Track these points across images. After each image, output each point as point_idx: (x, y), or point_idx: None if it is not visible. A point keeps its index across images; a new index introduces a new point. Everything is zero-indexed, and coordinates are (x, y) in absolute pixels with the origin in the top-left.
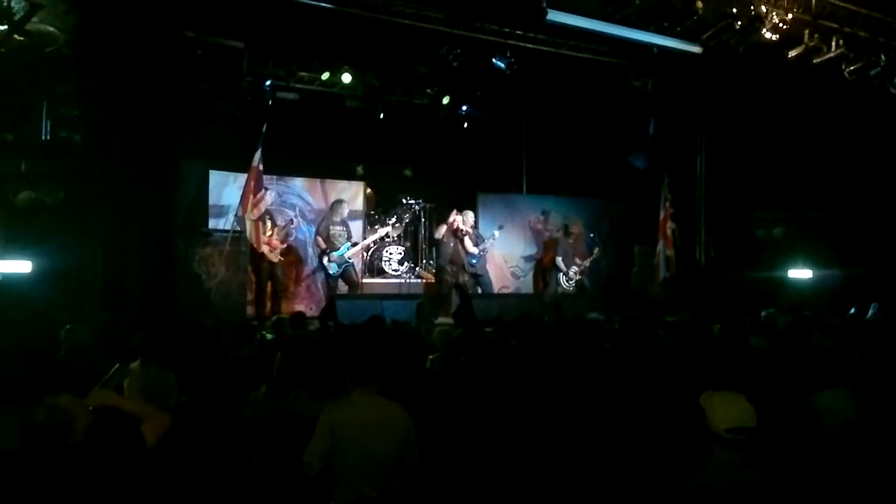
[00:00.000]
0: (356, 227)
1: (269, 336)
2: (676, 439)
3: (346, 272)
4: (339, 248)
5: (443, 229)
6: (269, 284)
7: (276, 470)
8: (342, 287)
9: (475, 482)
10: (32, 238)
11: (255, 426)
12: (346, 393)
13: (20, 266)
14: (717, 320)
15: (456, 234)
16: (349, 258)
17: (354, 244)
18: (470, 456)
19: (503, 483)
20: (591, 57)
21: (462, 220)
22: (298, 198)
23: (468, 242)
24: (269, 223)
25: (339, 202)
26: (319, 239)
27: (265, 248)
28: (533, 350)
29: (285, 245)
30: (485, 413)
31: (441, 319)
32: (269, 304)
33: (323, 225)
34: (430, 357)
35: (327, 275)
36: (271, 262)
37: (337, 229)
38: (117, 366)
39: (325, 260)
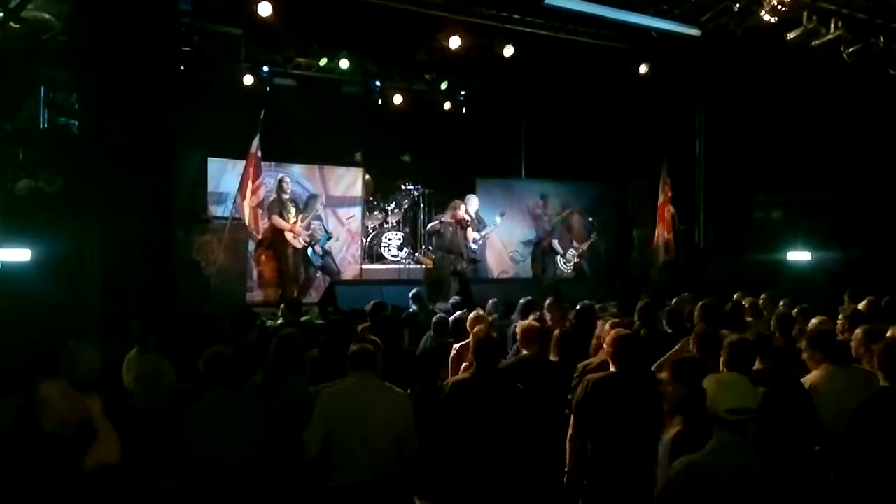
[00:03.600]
0: (355, 213)
1: (268, 323)
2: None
3: (326, 263)
4: (320, 240)
5: (438, 222)
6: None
7: (277, 453)
8: (323, 277)
9: (475, 464)
10: (31, 226)
11: None
12: (344, 377)
13: (19, 254)
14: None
15: (459, 223)
16: (328, 249)
17: (329, 237)
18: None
19: (502, 463)
20: (590, 41)
21: (465, 208)
22: (297, 184)
23: (471, 232)
24: (293, 210)
25: (314, 197)
26: (304, 232)
27: (289, 236)
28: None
29: (310, 231)
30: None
31: (440, 305)
32: (294, 290)
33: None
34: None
35: (310, 264)
36: (295, 249)
37: (315, 223)
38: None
39: (310, 251)
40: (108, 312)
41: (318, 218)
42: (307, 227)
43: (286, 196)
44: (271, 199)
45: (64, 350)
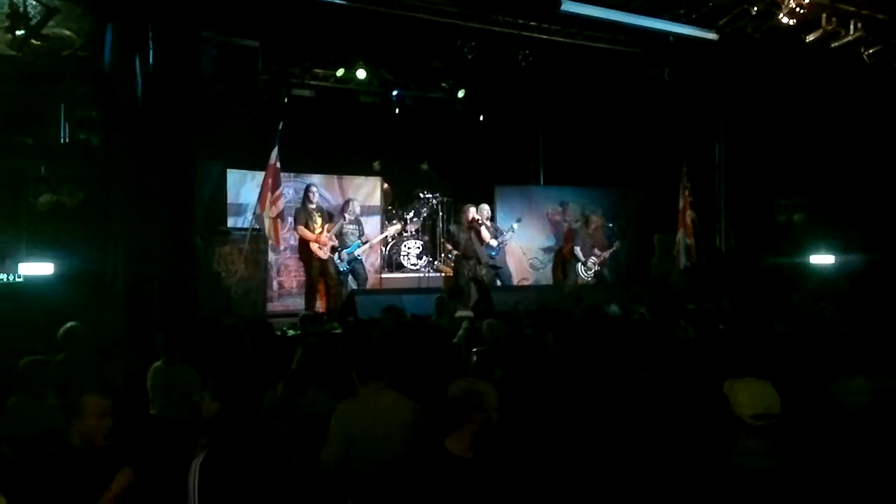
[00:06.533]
0: (374, 222)
1: (290, 333)
2: (700, 428)
3: (354, 269)
4: (349, 246)
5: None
6: (321, 282)
7: (296, 467)
8: (351, 284)
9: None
10: (54, 240)
11: (273, 423)
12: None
13: (42, 268)
14: (739, 308)
15: (471, 225)
16: (359, 255)
17: (365, 242)
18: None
19: (529, 475)
20: (607, 46)
21: (476, 210)
22: (316, 195)
23: (485, 233)
24: (318, 220)
25: (349, 201)
26: (330, 242)
27: (314, 246)
28: (558, 342)
29: (338, 243)
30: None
31: (460, 313)
32: (321, 302)
33: (336, 223)
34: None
35: (337, 271)
36: (321, 260)
37: (349, 227)
38: None
39: (336, 257)
40: (130, 324)
41: (357, 223)
42: (339, 233)
43: (312, 206)
44: (297, 208)
45: None
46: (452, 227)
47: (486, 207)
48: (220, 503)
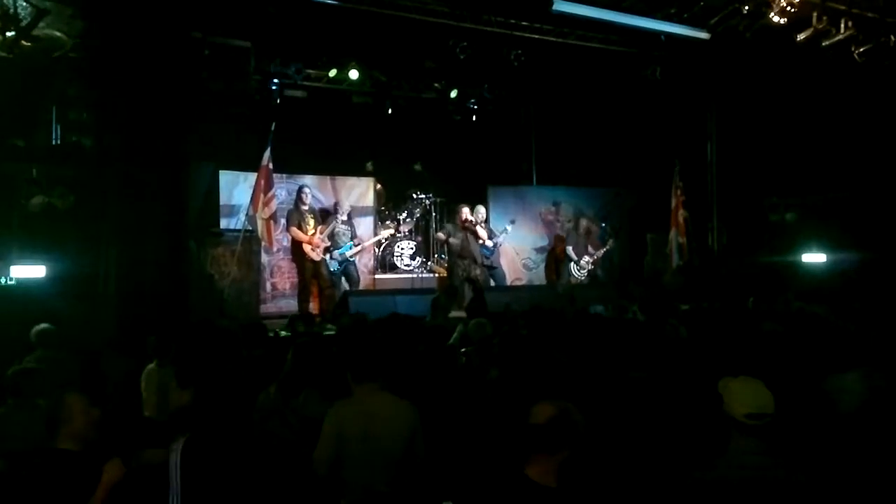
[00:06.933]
0: (366, 223)
1: (282, 334)
2: (694, 427)
3: (346, 270)
4: (341, 247)
5: (444, 233)
6: (314, 283)
7: (288, 469)
8: (344, 285)
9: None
10: (46, 242)
11: (265, 425)
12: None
13: (34, 271)
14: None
15: (465, 226)
16: (350, 257)
17: (357, 244)
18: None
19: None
20: (599, 46)
21: (470, 211)
22: (309, 196)
23: (481, 232)
24: (311, 221)
25: (342, 202)
26: (323, 243)
27: (307, 248)
28: (550, 342)
29: (330, 244)
30: (509, 405)
31: (454, 313)
32: (314, 304)
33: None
34: (464, 350)
35: (329, 272)
36: (314, 261)
37: (341, 228)
38: None
39: (328, 257)
40: (122, 326)
41: (349, 224)
42: (331, 234)
43: (305, 207)
44: (290, 210)
45: None
46: (448, 227)
47: (481, 210)
48: (200, 483)
